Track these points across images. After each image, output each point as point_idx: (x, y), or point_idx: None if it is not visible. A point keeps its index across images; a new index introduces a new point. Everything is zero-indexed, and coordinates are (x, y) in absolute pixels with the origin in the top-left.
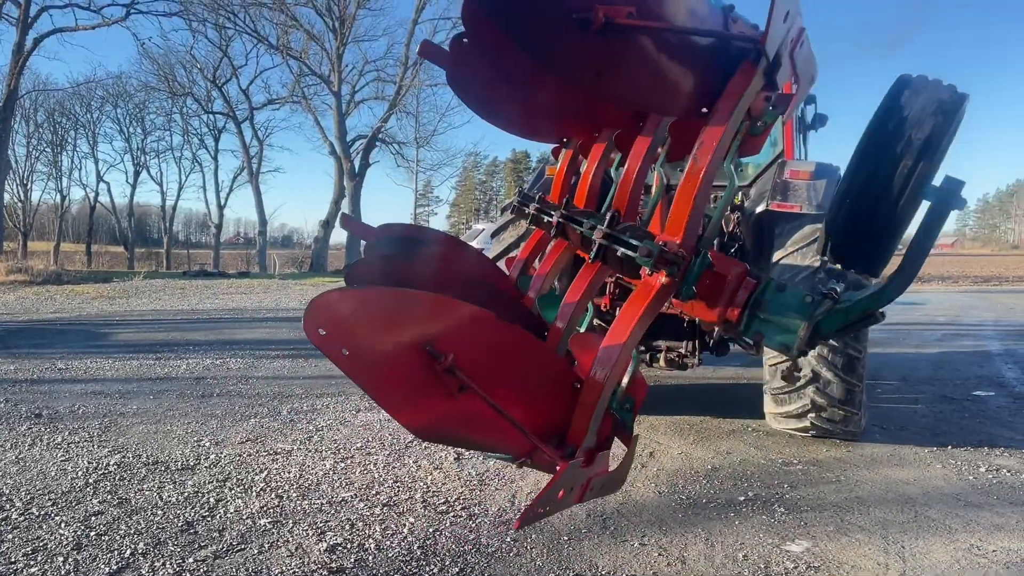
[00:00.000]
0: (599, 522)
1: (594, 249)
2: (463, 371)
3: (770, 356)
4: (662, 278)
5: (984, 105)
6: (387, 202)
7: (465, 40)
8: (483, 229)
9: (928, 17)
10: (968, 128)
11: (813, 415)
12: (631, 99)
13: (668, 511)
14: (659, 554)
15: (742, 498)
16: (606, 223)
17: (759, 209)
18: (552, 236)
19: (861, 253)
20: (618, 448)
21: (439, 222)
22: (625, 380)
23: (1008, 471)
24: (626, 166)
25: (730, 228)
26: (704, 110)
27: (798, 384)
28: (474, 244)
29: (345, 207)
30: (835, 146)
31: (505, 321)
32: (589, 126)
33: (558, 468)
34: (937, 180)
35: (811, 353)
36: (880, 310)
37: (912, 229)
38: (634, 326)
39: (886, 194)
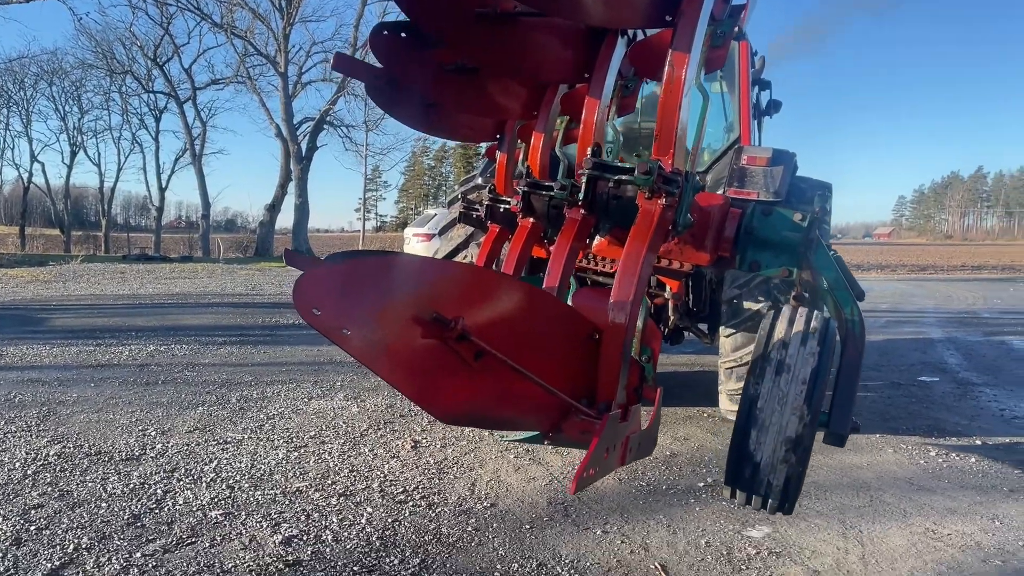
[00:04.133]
0: (560, 510)
1: (582, 188)
2: (476, 336)
3: (725, 358)
4: (661, 201)
5: (920, 98)
6: (335, 186)
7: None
8: (435, 215)
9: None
10: (902, 122)
11: None
12: (593, 16)
13: (629, 498)
14: (622, 541)
15: (701, 484)
16: (590, 156)
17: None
18: (520, 210)
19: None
20: None
21: (388, 208)
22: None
23: (957, 455)
24: (583, 116)
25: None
26: (668, 18)
27: None
28: (425, 229)
29: (291, 190)
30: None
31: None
32: (524, 111)
33: (599, 424)
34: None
35: None
36: None
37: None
38: (643, 261)
39: None
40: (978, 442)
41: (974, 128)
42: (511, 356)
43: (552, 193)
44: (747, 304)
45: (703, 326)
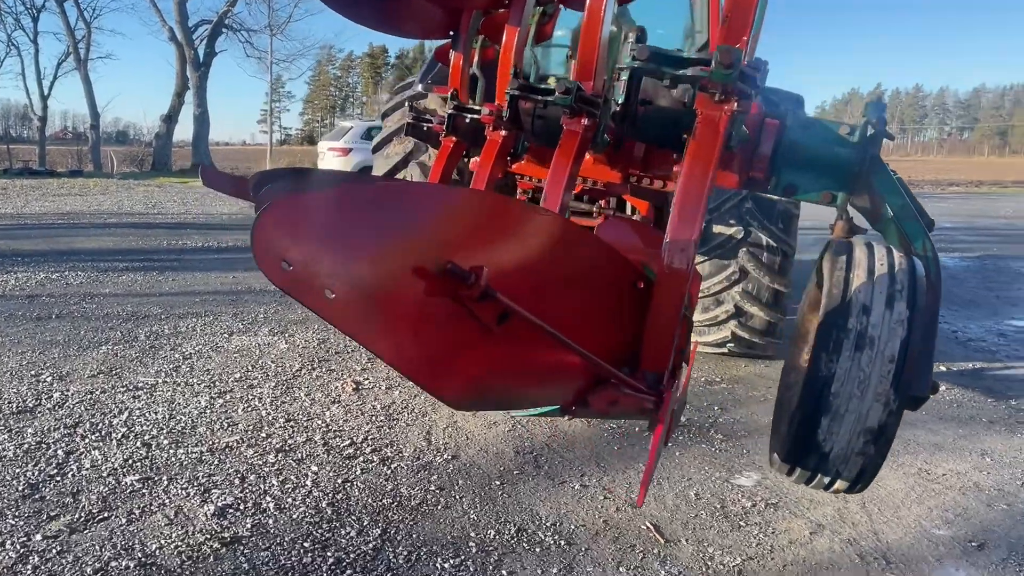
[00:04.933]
0: (531, 461)
1: (622, 87)
2: (501, 292)
3: None
4: (731, 106)
5: (826, 16)
6: (236, 96)
7: None
8: (351, 127)
9: None
10: (810, 40)
11: (732, 344)
12: None
13: (602, 444)
14: (604, 497)
15: None
16: (635, 41)
17: None
18: (503, 119)
19: None
20: None
21: (292, 120)
22: None
23: None
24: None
25: None
26: None
27: (719, 319)
28: (341, 143)
29: (189, 99)
30: None
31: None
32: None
33: (661, 403)
34: None
35: (734, 289)
36: None
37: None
38: (708, 186)
39: None
40: (942, 368)
41: (875, 45)
42: (543, 317)
43: (551, 98)
44: (717, 228)
45: None
